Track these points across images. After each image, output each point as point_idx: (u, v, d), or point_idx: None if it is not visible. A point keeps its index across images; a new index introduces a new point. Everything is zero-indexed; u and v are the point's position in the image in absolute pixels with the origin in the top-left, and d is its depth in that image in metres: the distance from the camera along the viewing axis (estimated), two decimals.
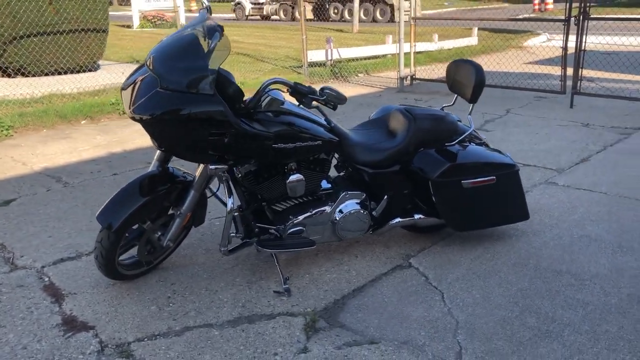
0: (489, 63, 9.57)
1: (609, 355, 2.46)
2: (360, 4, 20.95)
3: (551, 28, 16.80)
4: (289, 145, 2.87)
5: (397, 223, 3.35)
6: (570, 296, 2.92)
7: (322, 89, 2.85)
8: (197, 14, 3.01)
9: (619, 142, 5.68)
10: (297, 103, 2.93)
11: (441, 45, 12.70)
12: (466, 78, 3.25)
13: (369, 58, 11.51)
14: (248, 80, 9.16)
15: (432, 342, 2.59)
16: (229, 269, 3.29)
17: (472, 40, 13.62)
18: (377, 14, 22.66)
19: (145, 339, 2.67)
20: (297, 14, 23.00)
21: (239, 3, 26.31)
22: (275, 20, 25.48)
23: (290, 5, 24.73)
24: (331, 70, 10.16)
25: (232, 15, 27.17)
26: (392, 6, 21.43)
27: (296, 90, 2.83)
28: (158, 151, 2.99)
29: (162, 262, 3.30)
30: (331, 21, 23.67)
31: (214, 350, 2.57)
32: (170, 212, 3.05)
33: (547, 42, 15.46)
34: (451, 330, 2.67)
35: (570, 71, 7.27)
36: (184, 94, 2.57)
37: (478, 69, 3.21)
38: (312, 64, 10.12)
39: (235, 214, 2.98)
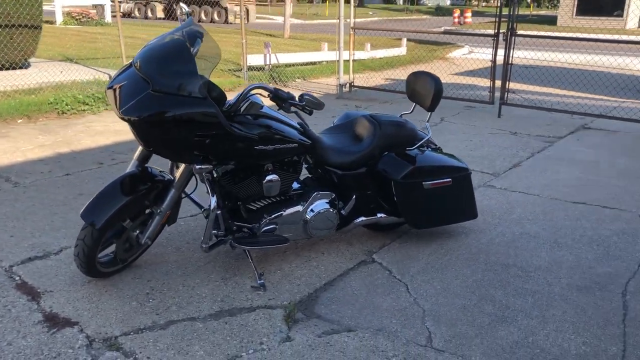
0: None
1: (557, 335, 2.80)
2: (200, 6, 26.09)
3: (475, 41, 17.83)
4: (268, 147, 3.05)
5: (361, 222, 3.60)
6: (519, 286, 3.26)
7: (301, 95, 3.05)
8: (180, 21, 3.13)
9: (545, 150, 6.21)
10: (276, 108, 3.10)
11: (373, 54, 13.16)
12: (425, 88, 3.55)
13: (305, 64, 11.76)
14: None
15: (404, 329, 2.84)
16: (202, 266, 3.41)
17: (402, 51, 14.20)
18: (215, 16, 26.86)
19: (132, 333, 2.76)
20: (149, 13, 28.16)
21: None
22: (135, 18, 27.82)
23: (143, 4, 27.82)
24: (270, 75, 10.33)
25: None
26: (226, 9, 26.30)
27: (277, 95, 3.01)
28: (137, 151, 3.09)
29: (136, 260, 3.37)
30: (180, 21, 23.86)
31: (202, 341, 2.71)
32: (148, 210, 3.14)
33: (469, 55, 16.35)
34: (419, 318, 2.93)
35: (497, 83, 7.82)
36: (176, 97, 2.69)
37: (436, 80, 3.51)
38: (250, 68, 10.25)
39: (217, 212, 3.12)
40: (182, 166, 3.05)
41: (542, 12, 45.30)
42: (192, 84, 2.72)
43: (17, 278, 3.22)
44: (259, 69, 10.66)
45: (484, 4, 66.84)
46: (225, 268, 3.39)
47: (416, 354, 2.63)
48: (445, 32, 9.63)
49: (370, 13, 42.64)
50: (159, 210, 3.08)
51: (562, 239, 3.88)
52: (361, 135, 3.55)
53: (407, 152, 3.57)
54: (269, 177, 3.17)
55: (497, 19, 7.53)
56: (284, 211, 3.33)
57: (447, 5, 62.37)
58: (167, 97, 2.69)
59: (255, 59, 10.52)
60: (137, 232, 3.14)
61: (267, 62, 10.72)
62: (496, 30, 7.58)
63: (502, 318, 2.93)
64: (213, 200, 3.00)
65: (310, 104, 3.03)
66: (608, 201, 4.61)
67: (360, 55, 12.70)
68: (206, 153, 2.88)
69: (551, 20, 29.98)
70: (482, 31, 13.94)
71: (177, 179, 3.07)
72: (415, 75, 3.70)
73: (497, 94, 7.85)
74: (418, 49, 15.06)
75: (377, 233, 3.86)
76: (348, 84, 9.16)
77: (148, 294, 3.10)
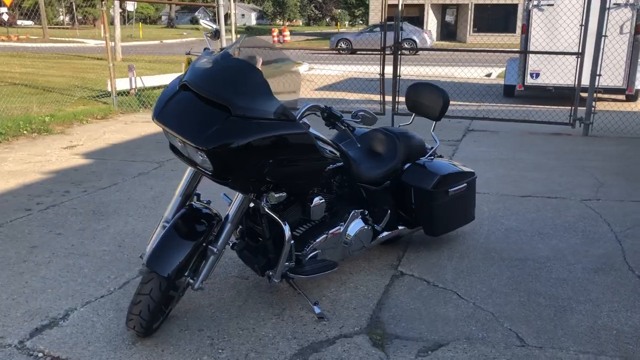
0: None
1: (616, 314, 3.06)
2: None
3: (309, 58, 18.47)
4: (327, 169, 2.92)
5: (385, 236, 3.58)
6: (548, 276, 3.50)
7: (356, 112, 2.95)
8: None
9: (456, 152, 6.70)
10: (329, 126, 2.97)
11: None
12: (432, 100, 3.65)
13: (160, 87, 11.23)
14: (57, 113, 8.27)
15: (490, 333, 2.89)
16: (241, 305, 3.13)
17: None
18: None
19: None
20: None
21: None
22: None
23: None
24: (138, 99, 9.70)
25: None
26: None
27: (331, 114, 2.89)
28: (180, 188, 2.77)
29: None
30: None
31: None
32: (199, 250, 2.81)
33: (310, 71, 16.92)
34: (494, 321, 3.01)
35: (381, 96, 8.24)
36: (262, 121, 2.46)
37: (443, 91, 3.64)
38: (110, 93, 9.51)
39: (292, 242, 2.89)
40: (239, 198, 2.77)
41: (354, 29, 48.49)
42: (274, 106, 2.50)
43: (41, 355, 2.66)
44: (124, 93, 9.95)
45: (287, 22, 69.60)
46: (267, 303, 3.15)
47: (523, 355, 2.69)
48: (332, 50, 9.81)
49: (185, 34, 42.03)
50: (215, 250, 2.76)
51: (542, 230, 4.23)
52: (379, 148, 3.54)
53: (424, 162, 3.63)
54: (316, 200, 3.02)
55: (383, 36, 7.94)
56: (327, 234, 3.19)
57: (254, 25, 63.78)
58: (252, 122, 2.44)
59: (120, 83, 9.78)
60: (189, 277, 2.79)
61: (133, 86, 10.05)
62: (382, 46, 7.97)
63: (562, 307, 3.12)
64: (287, 229, 2.78)
65: (366, 120, 2.96)
66: (547, 192, 5.12)
67: None
68: (282, 180, 2.67)
69: None
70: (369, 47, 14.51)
71: (233, 212, 2.78)
72: (418, 87, 3.78)
73: (389, 107, 8.26)
74: None
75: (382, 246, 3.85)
76: None
77: (212, 344, 2.76)
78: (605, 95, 10.50)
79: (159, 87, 10.81)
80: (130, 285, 3.30)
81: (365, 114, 2.95)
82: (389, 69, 8.25)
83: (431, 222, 3.61)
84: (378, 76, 8.48)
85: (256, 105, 2.45)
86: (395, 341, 2.82)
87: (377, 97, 8.71)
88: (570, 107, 7.88)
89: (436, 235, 3.76)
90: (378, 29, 26.20)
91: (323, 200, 3.04)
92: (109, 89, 9.28)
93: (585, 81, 7.43)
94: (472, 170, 3.80)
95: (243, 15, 70.50)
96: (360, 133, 3.66)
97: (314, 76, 14.24)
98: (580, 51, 7.39)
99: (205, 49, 3.01)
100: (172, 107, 2.54)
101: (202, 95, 2.47)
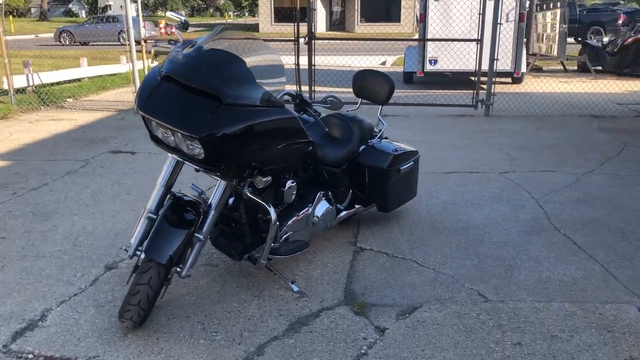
0: None
1: (556, 267, 3.49)
2: None
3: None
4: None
5: (344, 216, 3.81)
6: (491, 240, 3.90)
7: (325, 98, 3.14)
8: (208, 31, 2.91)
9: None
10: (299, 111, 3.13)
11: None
12: (379, 84, 3.91)
13: (69, 81, 10.74)
14: None
15: (455, 294, 3.21)
16: (219, 290, 3.22)
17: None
18: None
19: None
20: None
21: None
22: None
23: None
24: (38, 97, 9.22)
25: None
26: None
27: (302, 100, 3.06)
28: (162, 178, 2.84)
29: None
30: None
31: (313, 353, 2.68)
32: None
33: None
34: (455, 282, 3.33)
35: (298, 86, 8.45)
36: (254, 108, 2.59)
37: (388, 77, 3.91)
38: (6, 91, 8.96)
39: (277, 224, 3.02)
40: (222, 185, 2.87)
41: (241, 20, 47.95)
42: (261, 94, 2.64)
43: (31, 356, 2.63)
44: (20, 90, 9.40)
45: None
46: (244, 286, 3.27)
47: (490, 308, 3.03)
48: None
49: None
50: (201, 237, 2.85)
51: (473, 201, 4.65)
52: (337, 132, 3.75)
53: (375, 143, 3.89)
54: (288, 183, 3.19)
55: (295, 25, 8.13)
56: (297, 216, 3.36)
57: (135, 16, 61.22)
58: (242, 109, 2.56)
59: (16, 81, 9.22)
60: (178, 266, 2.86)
61: (31, 83, 9.52)
62: (296, 35, 8.17)
63: (509, 266, 3.51)
64: (273, 213, 2.92)
65: (334, 106, 3.15)
66: (467, 168, 5.59)
67: (118, 69, 12.08)
68: (274, 165, 2.81)
69: (254, 28, 32.18)
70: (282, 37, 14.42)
71: (216, 199, 2.88)
72: (364, 73, 4.02)
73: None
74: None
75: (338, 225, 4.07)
76: None
77: (204, 329, 2.86)
78: (496, 79, 11.35)
79: (57, 84, 10.30)
80: (101, 282, 3.28)
81: (334, 99, 3.13)
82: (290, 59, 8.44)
83: (385, 199, 3.87)
84: (290, 66, 8.61)
85: (244, 94, 2.56)
86: (373, 309, 3.04)
87: (292, 87, 8.86)
88: (471, 91, 8.52)
89: (388, 211, 4.04)
90: (112, 19, 26.73)
91: (295, 183, 3.20)
92: (6, 87, 8.72)
93: (485, 66, 8.06)
94: (416, 150, 4.11)
95: (121, 7, 67.53)
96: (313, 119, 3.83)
97: None
98: (479, 38, 7.99)
99: (170, 41, 3.06)
100: (158, 99, 2.58)
101: (192, 85, 2.54)
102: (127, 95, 9.99)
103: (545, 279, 3.32)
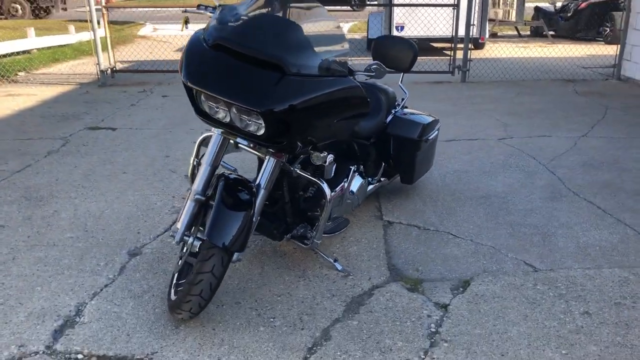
0: (141, 53, 9.63)
1: (580, 227, 3.51)
2: None
3: (145, 17, 17.48)
4: None
5: (372, 189, 3.68)
6: (519, 208, 3.87)
7: (369, 66, 2.96)
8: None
9: None
10: None
11: (79, 37, 11.90)
12: (403, 51, 3.75)
13: (16, 54, 10.02)
14: None
15: (501, 265, 3.16)
16: (260, 273, 3.06)
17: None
18: None
19: (311, 356, 2.44)
20: None
21: None
22: None
23: None
24: None
25: None
26: None
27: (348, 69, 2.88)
28: (209, 157, 2.62)
29: None
30: None
31: (380, 334, 2.57)
32: None
33: (155, 32, 16.03)
34: (497, 253, 3.27)
35: None
36: (318, 78, 2.40)
37: (412, 44, 3.76)
38: None
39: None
40: (270, 163, 2.68)
41: None
42: (324, 62, 2.45)
43: (81, 356, 2.41)
44: None
45: None
46: (284, 267, 3.12)
47: (543, 278, 3.00)
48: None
49: None
50: (253, 219, 2.66)
51: (484, 169, 4.62)
52: None
53: (400, 113, 3.75)
54: (329, 158, 3.02)
55: None
56: (335, 192, 3.21)
57: None
58: (307, 80, 2.37)
59: None
60: None
61: None
62: None
63: (545, 234, 3.49)
64: (328, 190, 2.75)
65: (379, 74, 2.98)
66: (465, 135, 5.55)
67: (67, 39, 11.38)
68: (333, 139, 2.64)
69: None
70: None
71: (265, 178, 2.69)
72: (386, 40, 3.85)
73: None
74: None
75: None
76: (110, 69, 8.27)
77: (259, 315, 2.70)
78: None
79: (4, 56, 9.59)
80: (129, 270, 3.05)
81: (378, 67, 2.96)
82: None
83: (412, 171, 3.76)
84: None
85: (307, 62, 2.37)
86: (424, 284, 2.95)
87: None
88: (439, 57, 8.47)
89: (412, 183, 3.94)
90: None
91: (333, 157, 3.03)
92: None
93: (447, 32, 7.99)
94: (438, 118, 4.00)
95: None
96: None
97: (166, 37, 13.52)
98: (455, 3, 7.91)
99: (200, 6, 2.81)
100: (210, 69, 2.35)
101: (250, 55, 2.32)
102: (84, 67, 9.43)
103: (584, 245, 3.31)
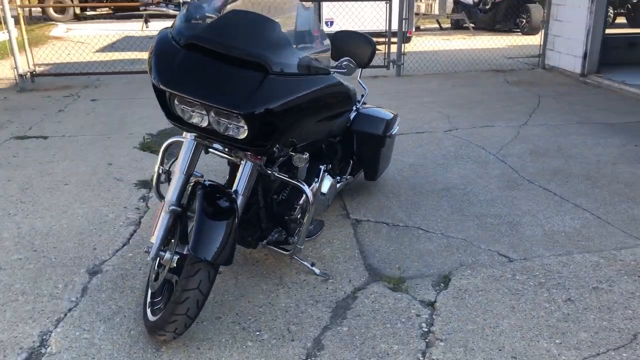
0: (58, 55, 9.15)
1: (543, 215, 3.60)
2: None
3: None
4: None
5: (339, 188, 3.61)
6: (477, 200, 3.91)
7: (340, 62, 2.88)
8: None
9: None
10: None
11: None
12: (359, 47, 3.68)
13: None
14: None
15: (476, 257, 3.16)
16: (235, 284, 2.92)
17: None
18: None
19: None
20: None
21: None
22: None
23: None
24: None
25: None
26: None
27: None
28: (182, 165, 2.46)
29: None
30: None
31: (373, 339, 2.51)
32: None
33: (69, 32, 15.24)
34: (470, 245, 3.28)
35: None
36: (302, 77, 2.30)
37: (370, 38, 3.71)
38: None
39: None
40: (247, 167, 2.55)
41: None
42: (305, 60, 2.34)
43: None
44: None
45: None
46: (259, 275, 3.00)
47: (520, 267, 3.03)
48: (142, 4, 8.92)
49: None
50: (236, 229, 2.52)
51: (437, 161, 4.66)
52: None
53: (362, 109, 3.70)
54: (304, 157, 2.92)
55: None
56: (306, 194, 3.11)
57: None
58: (291, 79, 2.26)
59: None
60: None
61: None
62: None
63: (510, 223, 3.54)
64: (310, 192, 2.65)
65: (350, 70, 2.91)
66: (412, 129, 5.57)
67: None
68: (316, 139, 2.54)
69: None
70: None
71: (243, 184, 2.55)
72: (344, 35, 3.76)
73: None
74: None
75: None
76: (29, 73, 7.73)
77: (244, 329, 2.56)
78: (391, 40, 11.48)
79: None
80: (92, 290, 2.82)
81: (349, 62, 2.87)
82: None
83: (376, 167, 3.72)
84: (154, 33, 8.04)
85: (289, 61, 2.26)
86: (405, 282, 2.91)
87: None
88: (380, 52, 8.49)
89: (376, 179, 3.89)
90: None
91: (307, 157, 2.93)
92: None
93: (378, 26, 8.05)
94: (397, 113, 3.98)
95: None
96: None
97: (82, 37, 12.87)
98: None
99: (161, 3, 2.63)
100: (185, 71, 2.19)
101: (229, 54, 2.18)
102: None
103: (549, 232, 3.38)
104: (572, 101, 6.55)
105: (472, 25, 14.02)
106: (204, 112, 2.23)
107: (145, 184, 4.12)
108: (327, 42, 2.55)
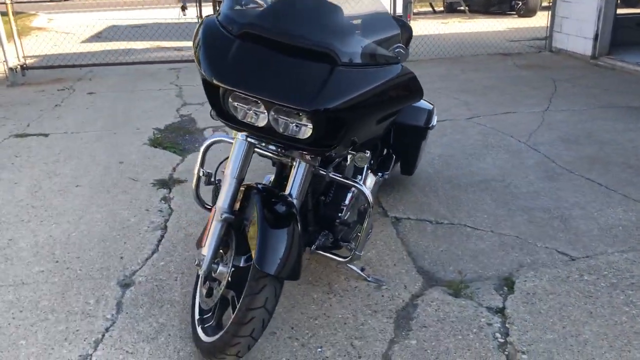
0: (43, 47, 8.78)
1: (593, 207, 3.40)
2: None
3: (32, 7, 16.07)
4: None
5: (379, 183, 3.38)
6: (519, 192, 3.71)
7: (393, 49, 2.64)
8: None
9: None
10: None
11: None
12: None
13: None
14: None
15: (534, 255, 2.96)
16: (284, 293, 2.68)
17: None
18: None
19: None
20: None
21: None
22: None
23: None
24: None
25: None
26: None
27: None
28: (233, 169, 2.21)
29: None
30: None
31: (447, 354, 2.30)
32: None
33: (51, 23, 14.75)
34: (525, 243, 3.08)
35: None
36: (372, 68, 2.05)
37: (405, 22, 3.46)
38: None
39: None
40: (301, 169, 2.30)
41: None
42: (370, 48, 2.10)
43: None
44: None
45: None
46: (306, 284, 2.77)
47: (584, 266, 2.83)
48: None
49: None
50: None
51: (467, 151, 4.45)
52: None
53: None
54: (367, 156, 2.65)
55: None
56: (352, 192, 2.88)
57: None
58: (360, 70, 2.02)
59: None
60: None
61: None
62: None
63: (561, 217, 3.35)
64: (369, 193, 2.41)
65: (403, 57, 2.66)
66: None
67: None
68: (377, 135, 2.30)
69: None
70: None
71: (298, 187, 2.31)
72: None
73: None
74: None
75: None
76: (19, 66, 7.37)
77: (303, 345, 2.34)
78: None
79: None
80: (127, 305, 2.58)
81: (401, 49, 2.63)
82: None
83: (415, 161, 3.50)
84: (146, 22, 7.73)
85: (357, 50, 2.01)
86: (465, 287, 2.70)
87: (168, 44, 8.03)
88: None
89: (412, 174, 3.66)
90: None
91: (370, 156, 2.69)
92: None
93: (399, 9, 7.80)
94: (434, 103, 3.75)
95: None
96: None
97: (68, 27, 12.42)
98: None
99: None
100: (243, 64, 1.94)
101: (293, 44, 1.92)
102: None
103: (605, 226, 3.19)
104: (588, 85, 6.37)
105: (467, 7, 13.79)
106: (263, 111, 1.98)
107: (163, 184, 3.86)
108: (395, 26, 2.30)
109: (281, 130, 2.02)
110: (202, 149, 2.48)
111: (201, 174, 2.48)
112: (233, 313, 2.07)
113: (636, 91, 6.03)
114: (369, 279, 2.73)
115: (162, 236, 3.16)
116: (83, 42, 10.69)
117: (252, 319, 1.95)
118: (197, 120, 5.33)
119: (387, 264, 2.90)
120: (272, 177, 2.48)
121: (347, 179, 2.39)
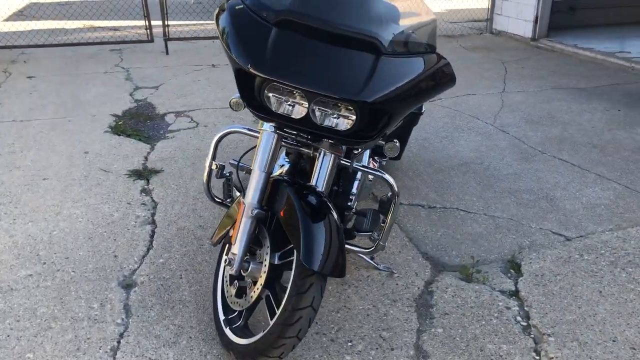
0: None
1: (574, 186, 3.55)
2: None
3: None
4: None
5: None
6: (500, 174, 3.81)
7: None
8: None
9: None
10: None
11: None
12: None
13: None
14: None
15: (531, 237, 3.05)
16: None
17: None
18: None
19: None
20: None
21: None
22: None
23: None
24: None
25: None
26: None
27: None
28: (261, 163, 2.13)
29: None
30: None
31: (476, 339, 2.34)
32: None
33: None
34: (520, 225, 3.17)
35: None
36: (412, 57, 2.02)
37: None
38: None
39: None
40: (327, 160, 2.24)
41: None
42: (409, 36, 2.06)
43: None
44: None
45: None
46: None
47: (582, 246, 2.95)
48: None
49: None
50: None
51: (441, 134, 4.51)
52: None
53: None
54: (397, 145, 2.62)
55: None
56: (358, 180, 2.85)
57: None
58: (404, 60, 1.98)
59: None
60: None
61: None
62: None
63: (547, 198, 3.46)
64: (394, 182, 2.38)
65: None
66: None
67: None
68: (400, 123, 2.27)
69: None
70: None
71: (324, 178, 2.25)
72: None
73: (159, 31, 7.35)
74: None
75: None
76: None
77: (333, 340, 2.31)
78: None
79: None
80: (135, 308, 2.44)
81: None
82: None
83: (404, 146, 3.50)
84: None
85: (399, 38, 1.96)
86: (474, 271, 2.75)
87: (141, 23, 7.63)
88: None
89: (400, 159, 3.66)
90: None
91: (399, 145, 2.65)
92: None
93: None
94: None
95: None
96: None
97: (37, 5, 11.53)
98: None
99: None
100: (285, 54, 1.85)
101: (341, 33, 1.85)
102: None
103: (588, 205, 3.34)
104: (535, 66, 6.60)
105: None
106: (301, 102, 1.89)
107: (139, 174, 3.66)
108: (430, 12, 2.25)
109: (319, 121, 1.94)
110: (214, 140, 2.36)
111: (212, 166, 2.36)
112: (269, 312, 2.00)
113: (580, 72, 6.31)
114: (379, 267, 2.70)
115: (154, 231, 3.01)
116: (5, 20, 9.92)
117: (299, 319, 1.88)
118: (156, 105, 5.09)
119: (392, 250, 2.89)
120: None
121: (370, 168, 2.34)
